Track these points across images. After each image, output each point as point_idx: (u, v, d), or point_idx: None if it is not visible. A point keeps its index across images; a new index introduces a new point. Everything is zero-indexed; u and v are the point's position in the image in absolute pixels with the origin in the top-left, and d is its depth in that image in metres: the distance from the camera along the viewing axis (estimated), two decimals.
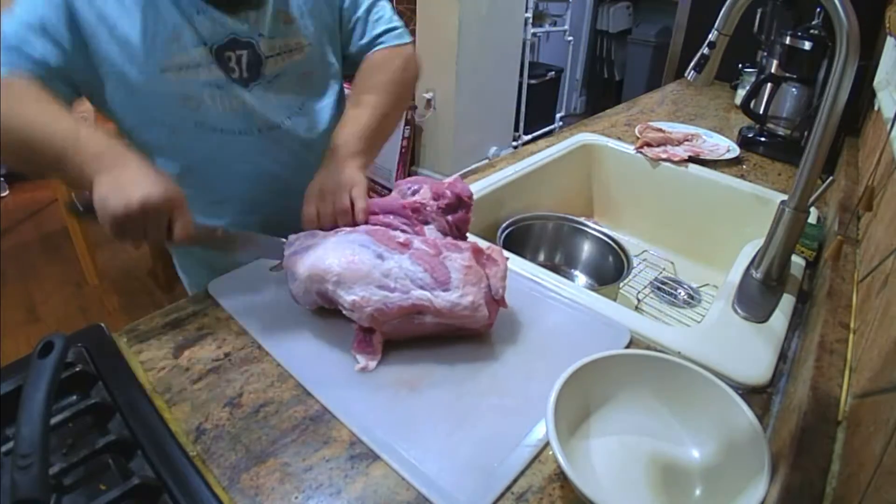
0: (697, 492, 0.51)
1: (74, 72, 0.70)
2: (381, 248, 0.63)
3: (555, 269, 0.98)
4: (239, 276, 0.77)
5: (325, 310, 0.67)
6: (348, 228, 0.69)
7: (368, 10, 0.87)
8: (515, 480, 0.50)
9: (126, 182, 0.57)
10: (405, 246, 0.64)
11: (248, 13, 0.76)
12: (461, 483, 0.49)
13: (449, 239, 0.68)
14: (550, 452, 0.52)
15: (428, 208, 0.71)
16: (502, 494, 0.49)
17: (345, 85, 0.93)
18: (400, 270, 0.61)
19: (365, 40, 0.88)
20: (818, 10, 1.17)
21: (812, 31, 1.15)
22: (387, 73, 0.85)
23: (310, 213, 0.72)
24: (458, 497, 0.48)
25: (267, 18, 0.77)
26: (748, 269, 0.78)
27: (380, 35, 0.88)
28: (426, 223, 0.72)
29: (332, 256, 0.62)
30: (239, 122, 0.79)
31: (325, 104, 0.89)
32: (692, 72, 0.79)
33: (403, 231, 0.69)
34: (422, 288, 0.61)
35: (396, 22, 0.90)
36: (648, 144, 1.20)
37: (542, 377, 0.58)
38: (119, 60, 0.70)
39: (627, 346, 0.66)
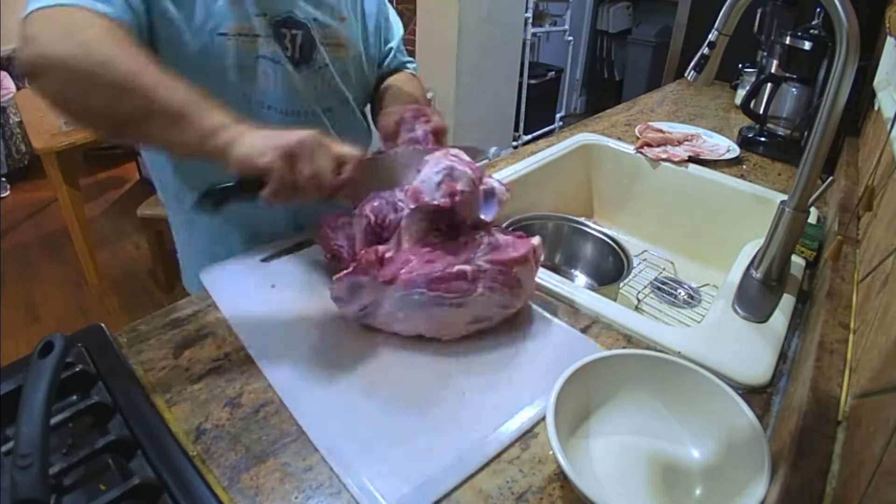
0: (697, 492, 0.51)
1: (139, 33, 0.67)
2: None
3: (555, 269, 0.98)
4: (231, 266, 0.78)
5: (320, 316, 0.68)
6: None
7: (399, 44, 1.00)
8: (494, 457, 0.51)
9: (276, 134, 0.57)
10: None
11: None
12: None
13: None
14: (550, 452, 0.52)
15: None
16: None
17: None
18: None
19: (395, 64, 0.99)
20: (818, 10, 1.17)
21: (812, 31, 1.15)
22: (417, 90, 0.95)
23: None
24: None
25: (324, 7, 0.81)
26: (748, 269, 0.78)
27: (406, 63, 1.01)
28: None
29: None
30: (288, 101, 0.80)
31: (353, 111, 0.91)
32: (692, 72, 0.79)
33: None
34: None
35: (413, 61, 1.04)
36: (648, 144, 1.19)
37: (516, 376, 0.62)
38: (177, 19, 0.69)
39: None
